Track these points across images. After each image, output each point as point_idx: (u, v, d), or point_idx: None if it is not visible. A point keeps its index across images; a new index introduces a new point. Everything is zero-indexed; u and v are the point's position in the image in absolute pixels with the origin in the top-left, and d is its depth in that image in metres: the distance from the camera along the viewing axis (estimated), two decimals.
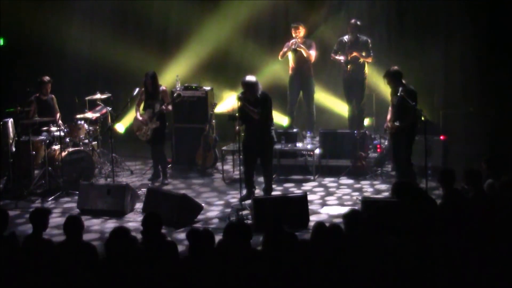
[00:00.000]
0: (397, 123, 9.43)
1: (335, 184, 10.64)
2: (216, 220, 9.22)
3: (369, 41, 11.45)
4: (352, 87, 11.58)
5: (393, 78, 9.45)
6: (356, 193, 10.14)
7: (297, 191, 10.24)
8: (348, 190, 10.34)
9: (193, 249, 5.83)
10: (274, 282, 5.54)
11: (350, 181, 10.71)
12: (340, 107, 12.32)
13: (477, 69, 11.34)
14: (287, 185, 10.70)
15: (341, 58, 11.45)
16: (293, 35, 11.60)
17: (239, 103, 9.39)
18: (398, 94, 9.29)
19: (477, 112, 11.15)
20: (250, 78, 9.56)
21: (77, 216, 6.70)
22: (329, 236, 5.85)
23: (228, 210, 9.57)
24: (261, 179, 10.01)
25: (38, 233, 6.41)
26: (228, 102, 11.97)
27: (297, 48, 11.53)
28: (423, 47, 11.94)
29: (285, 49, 11.66)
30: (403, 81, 9.46)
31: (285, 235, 5.93)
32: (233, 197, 10.13)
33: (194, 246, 5.83)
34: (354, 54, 11.34)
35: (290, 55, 11.70)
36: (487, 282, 5.58)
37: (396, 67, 9.57)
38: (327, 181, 10.80)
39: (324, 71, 12.43)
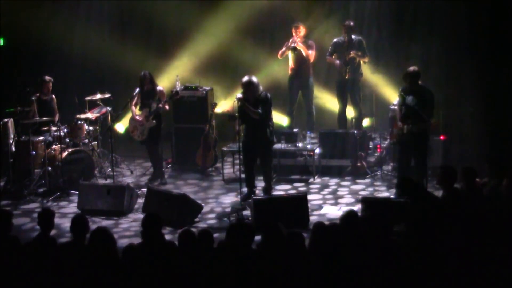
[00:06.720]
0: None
1: (335, 184, 10.65)
2: (216, 220, 9.24)
3: (363, 40, 11.43)
4: (347, 87, 11.52)
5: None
6: (356, 193, 10.14)
7: (297, 191, 10.24)
8: (348, 190, 10.34)
9: (185, 250, 5.85)
10: (274, 282, 5.54)
11: (350, 181, 10.71)
12: None
13: (477, 69, 11.33)
14: (287, 185, 10.70)
15: (338, 62, 11.37)
16: (294, 34, 11.60)
17: (239, 103, 9.42)
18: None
19: (477, 112, 11.15)
20: (249, 78, 9.57)
21: (83, 216, 6.72)
22: (328, 235, 5.85)
23: (228, 210, 9.57)
24: (261, 178, 10.00)
25: (46, 233, 6.44)
26: (228, 102, 11.97)
27: (297, 47, 11.52)
28: (423, 47, 11.92)
29: (284, 48, 11.66)
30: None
31: (283, 236, 5.91)
32: (233, 197, 10.13)
33: (185, 247, 5.86)
34: (352, 55, 11.30)
35: (290, 55, 11.68)
36: (488, 282, 5.58)
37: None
38: (327, 181, 10.80)
39: (324, 71, 12.40)
